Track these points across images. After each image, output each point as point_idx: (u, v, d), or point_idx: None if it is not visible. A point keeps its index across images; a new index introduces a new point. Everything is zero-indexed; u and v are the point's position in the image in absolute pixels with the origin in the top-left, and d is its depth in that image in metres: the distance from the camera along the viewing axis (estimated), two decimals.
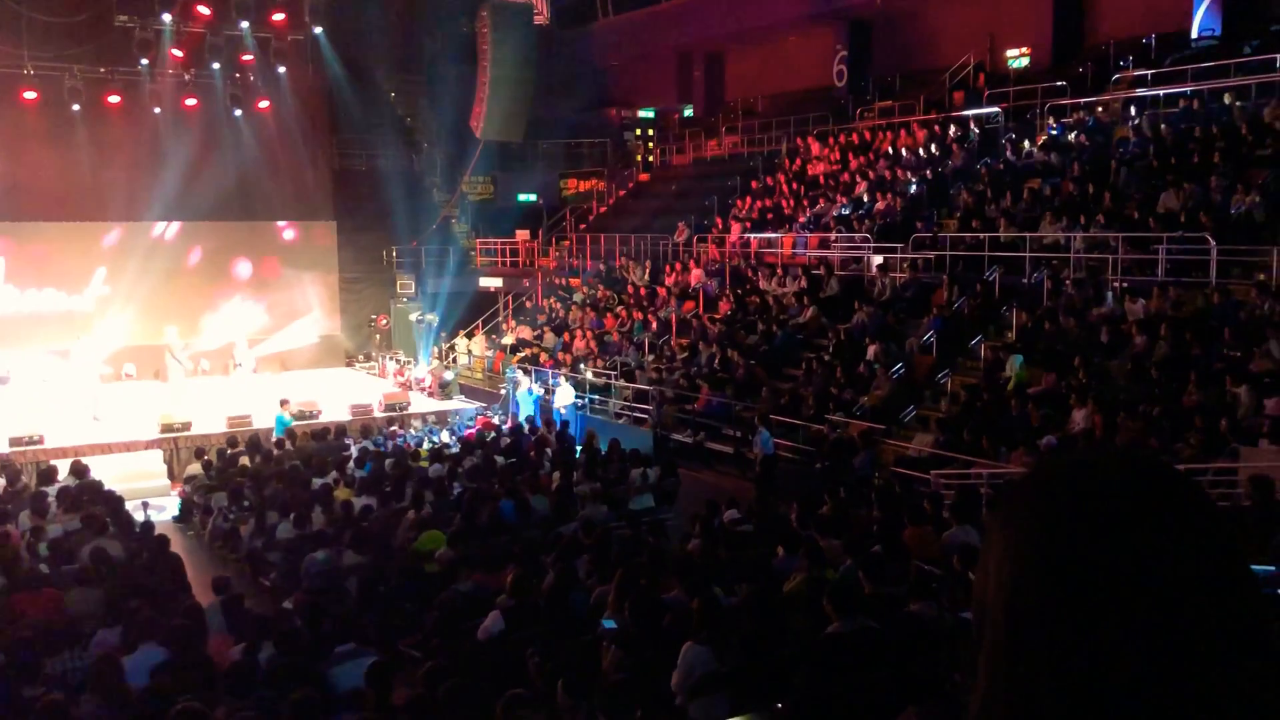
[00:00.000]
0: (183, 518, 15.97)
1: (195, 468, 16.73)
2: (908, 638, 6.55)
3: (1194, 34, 21.08)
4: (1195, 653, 0.82)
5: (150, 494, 16.49)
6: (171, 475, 18.49)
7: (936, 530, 9.70)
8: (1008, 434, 13.92)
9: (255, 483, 14.80)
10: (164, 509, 16.41)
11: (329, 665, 7.17)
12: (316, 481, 14.36)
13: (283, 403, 19.74)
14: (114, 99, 26.34)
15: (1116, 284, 16.13)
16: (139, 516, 13.34)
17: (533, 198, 34.21)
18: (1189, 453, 11.84)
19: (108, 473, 16.22)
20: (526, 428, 18.15)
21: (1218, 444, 11.89)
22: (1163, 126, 18.90)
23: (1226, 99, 18.61)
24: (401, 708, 6.11)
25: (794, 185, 25.89)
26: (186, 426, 19.50)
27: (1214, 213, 15.91)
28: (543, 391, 21.62)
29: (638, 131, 35.25)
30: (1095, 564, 0.85)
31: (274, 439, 18.37)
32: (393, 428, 20.21)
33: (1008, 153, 21.71)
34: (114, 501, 13.58)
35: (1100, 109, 20.92)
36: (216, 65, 27.11)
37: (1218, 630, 0.83)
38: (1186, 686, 0.82)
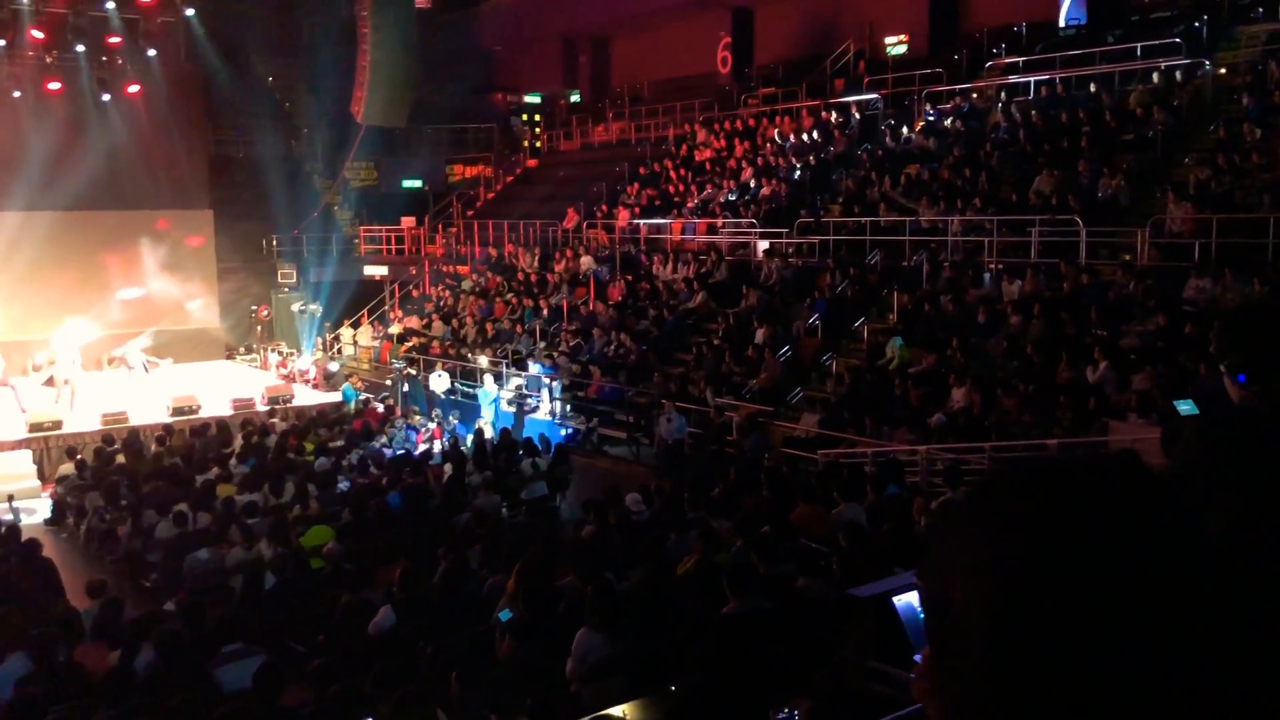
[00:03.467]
0: (55, 520, 15.35)
1: (68, 467, 16.08)
2: (798, 615, 6.66)
3: (1061, 23, 21.89)
4: (1182, 654, 0.79)
5: (18, 496, 15.76)
6: (42, 476, 17.71)
7: (825, 509, 9.89)
8: (890, 413, 14.27)
9: (133, 481, 14.29)
10: (34, 512, 15.71)
11: (215, 666, 6.98)
12: (198, 478, 13.95)
13: (349, 375, 21.06)
14: None
15: (993, 265, 16.64)
16: (7, 517, 12.77)
17: (418, 184, 33.66)
18: (1060, 430, 12.31)
19: None
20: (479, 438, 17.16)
21: (1088, 419, 12.38)
22: (1033, 112, 19.56)
23: (1092, 86, 19.35)
24: (292, 708, 5.98)
25: (681, 171, 26.05)
26: (57, 425, 18.70)
27: (1082, 196, 16.54)
28: (507, 397, 19.87)
29: (524, 117, 35.00)
30: (1079, 571, 0.80)
31: (342, 410, 19.39)
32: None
33: (887, 139, 22.20)
34: None
35: (975, 95, 21.55)
36: (81, 48, 25.94)
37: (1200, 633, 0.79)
38: (1181, 693, 0.78)
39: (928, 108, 22.20)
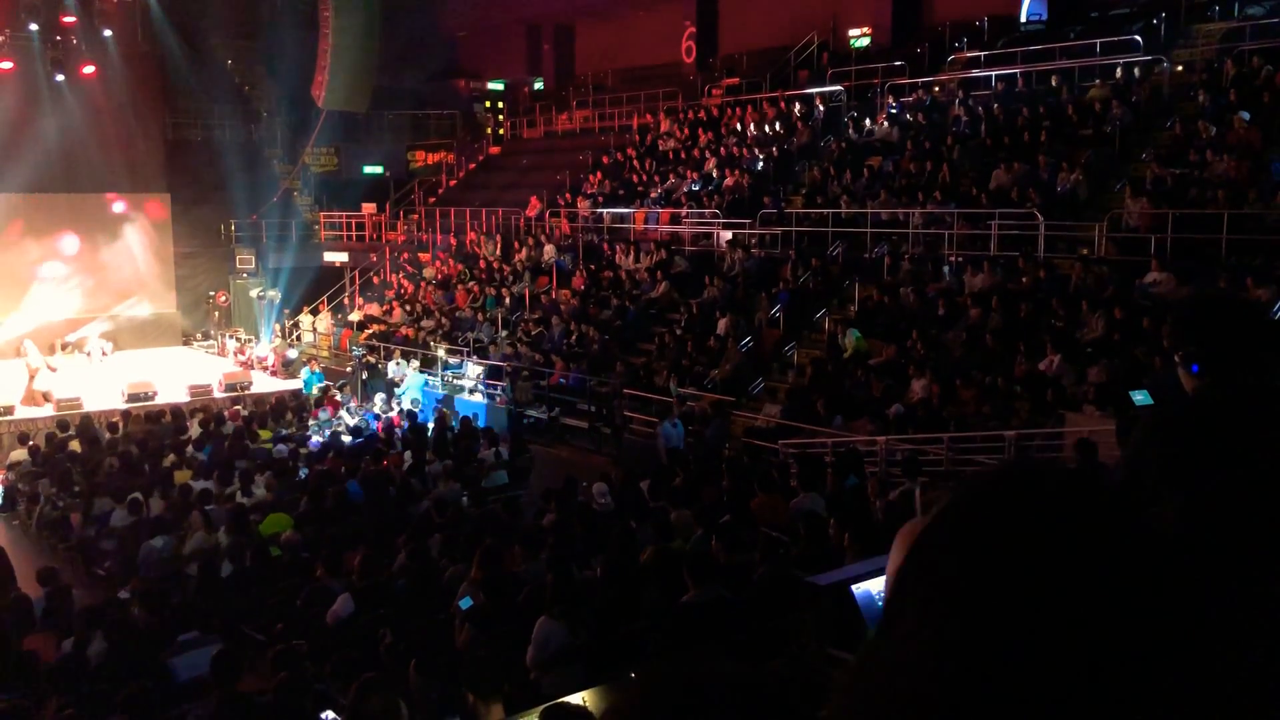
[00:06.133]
0: (6, 506, 15.12)
1: (20, 453, 15.84)
2: (758, 604, 6.69)
3: (1022, 18, 22.06)
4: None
5: None
6: None
7: (785, 498, 9.94)
8: (850, 404, 14.36)
9: (87, 468, 14.10)
10: None
11: (170, 654, 6.91)
12: (153, 465, 13.78)
13: (310, 360, 21.32)
14: None
15: (953, 258, 16.78)
16: None
17: (379, 170, 33.39)
18: (1017, 421, 12.46)
19: None
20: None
21: (1045, 410, 12.53)
22: (994, 106, 19.72)
23: (1053, 81, 19.54)
24: (248, 695, 5.92)
25: (645, 161, 26.01)
26: (9, 411, 18.41)
27: (1042, 190, 16.71)
28: (431, 383, 20.19)
29: (487, 104, 34.80)
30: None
31: (304, 395, 19.66)
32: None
33: (850, 131, 22.29)
34: None
35: (937, 88, 21.68)
36: (34, 27, 25.47)
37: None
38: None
39: (890, 100, 22.30)
